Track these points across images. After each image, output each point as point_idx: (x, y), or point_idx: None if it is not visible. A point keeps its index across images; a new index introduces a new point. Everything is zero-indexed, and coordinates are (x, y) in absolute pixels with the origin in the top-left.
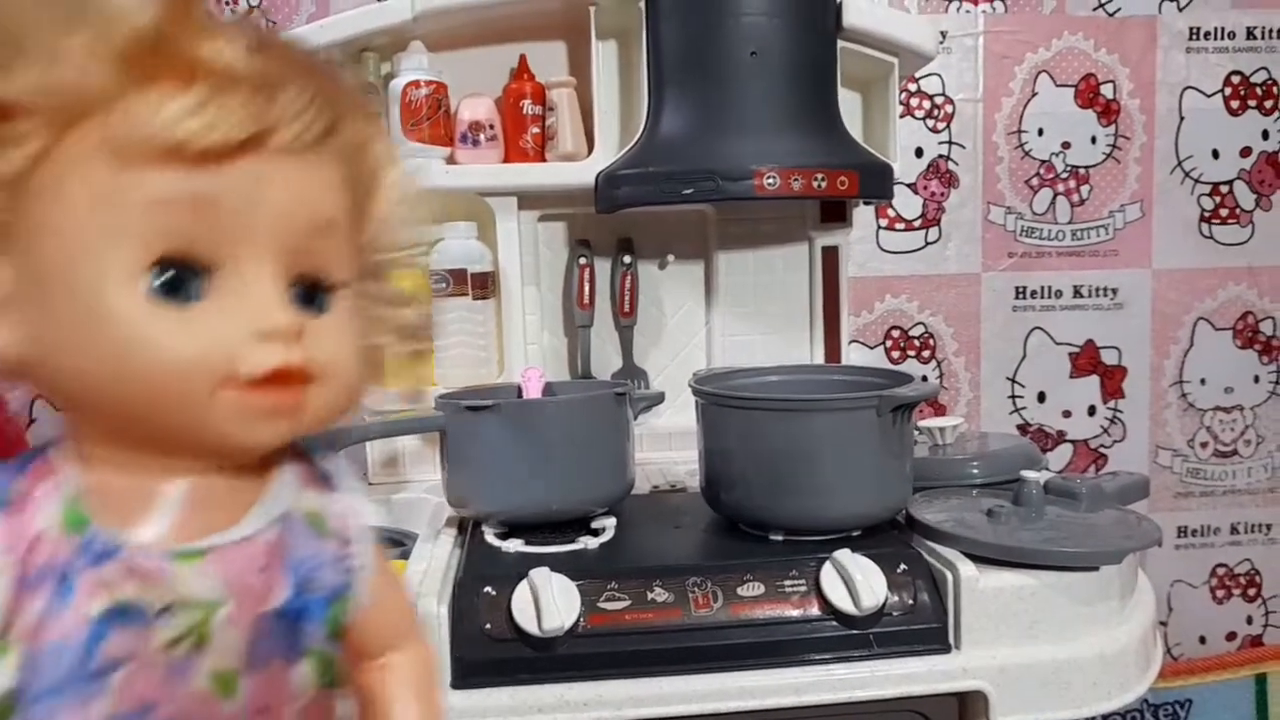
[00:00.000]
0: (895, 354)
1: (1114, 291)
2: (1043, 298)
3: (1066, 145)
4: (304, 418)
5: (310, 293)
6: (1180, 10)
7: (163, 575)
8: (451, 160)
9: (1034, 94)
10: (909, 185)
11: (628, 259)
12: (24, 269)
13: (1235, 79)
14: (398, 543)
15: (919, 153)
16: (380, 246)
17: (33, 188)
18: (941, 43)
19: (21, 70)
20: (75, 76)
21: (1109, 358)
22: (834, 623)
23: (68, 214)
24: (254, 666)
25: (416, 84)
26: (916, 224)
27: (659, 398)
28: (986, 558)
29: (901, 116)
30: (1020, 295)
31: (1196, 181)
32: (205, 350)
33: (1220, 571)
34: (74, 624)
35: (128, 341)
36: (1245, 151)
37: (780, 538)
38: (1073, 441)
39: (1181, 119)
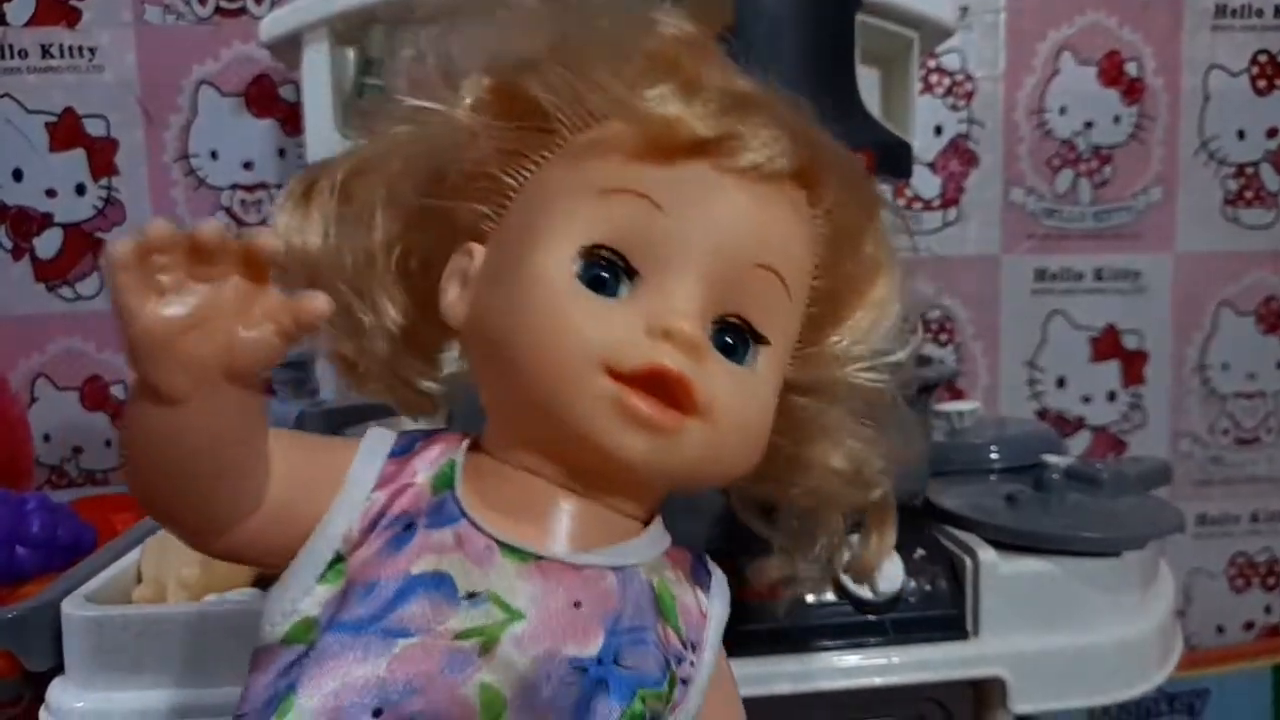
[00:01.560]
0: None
1: (1136, 275)
2: (1063, 280)
3: (1089, 125)
4: (675, 452)
5: (732, 343)
6: None
7: (485, 559)
8: None
9: (1056, 72)
10: (928, 164)
11: None
12: (491, 250)
13: (1262, 58)
14: None
15: (938, 131)
16: (850, 357)
17: (523, 190)
18: (962, 19)
19: (574, 100)
20: (599, 97)
21: (1130, 342)
22: (849, 608)
23: (536, 200)
24: (524, 711)
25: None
26: (935, 204)
27: None
28: (1006, 543)
29: (921, 94)
30: (1040, 278)
31: (1221, 163)
32: (603, 334)
33: (1240, 560)
34: (393, 573)
35: (546, 305)
36: (1272, 132)
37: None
38: (1092, 428)
39: (1206, 99)
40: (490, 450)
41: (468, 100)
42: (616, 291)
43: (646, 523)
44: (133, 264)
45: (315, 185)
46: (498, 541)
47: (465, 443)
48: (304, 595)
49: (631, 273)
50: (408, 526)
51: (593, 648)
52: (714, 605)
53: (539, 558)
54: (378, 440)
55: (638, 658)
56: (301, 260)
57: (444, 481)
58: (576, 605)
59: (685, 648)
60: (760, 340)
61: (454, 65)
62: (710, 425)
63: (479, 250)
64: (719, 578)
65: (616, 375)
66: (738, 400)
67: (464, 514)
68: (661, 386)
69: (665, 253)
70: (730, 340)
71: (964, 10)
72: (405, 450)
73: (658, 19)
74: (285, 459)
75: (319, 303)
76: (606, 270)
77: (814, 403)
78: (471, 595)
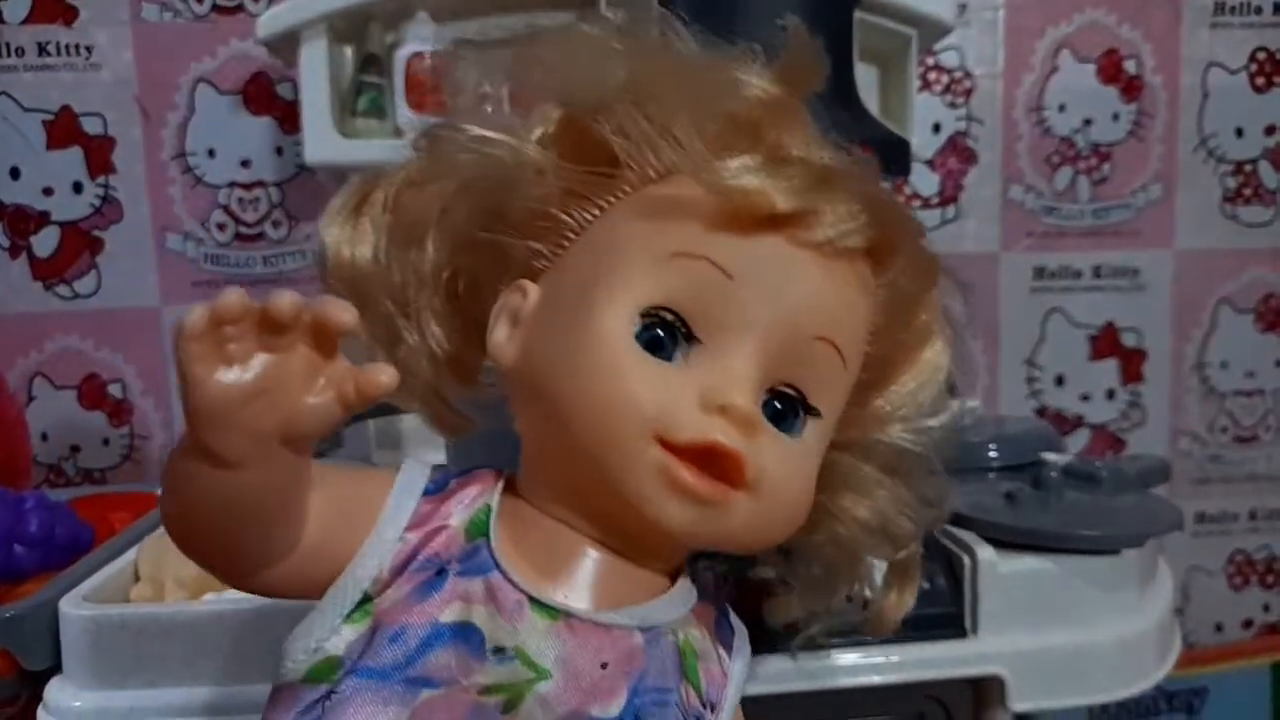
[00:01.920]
0: None
1: (1135, 272)
2: (1062, 278)
3: (1088, 122)
4: (719, 523)
5: (782, 409)
6: None
7: (515, 614)
8: None
9: (1054, 69)
10: (926, 162)
11: None
12: (546, 292)
13: (1261, 55)
14: None
15: (936, 128)
16: (892, 419)
17: (584, 234)
18: (960, 16)
19: (648, 150)
20: (677, 155)
21: (1129, 340)
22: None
23: (601, 250)
24: None
25: (421, 56)
26: (934, 202)
27: None
28: (1005, 541)
29: (919, 91)
30: (1039, 276)
31: (1220, 161)
32: (658, 401)
33: (1238, 558)
34: (422, 619)
35: (604, 365)
36: (1270, 129)
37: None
38: (1091, 426)
39: (1205, 96)
40: (526, 494)
41: (536, 133)
42: (672, 355)
43: (673, 576)
44: (203, 335)
45: (369, 198)
46: (529, 596)
47: (500, 484)
48: (330, 635)
49: (690, 337)
50: (439, 572)
51: (615, 708)
52: (736, 664)
53: (568, 615)
54: (412, 477)
55: (658, 718)
56: (350, 273)
57: (478, 528)
58: (603, 666)
59: (705, 708)
60: (811, 412)
61: (527, 93)
62: (756, 499)
63: (533, 290)
64: (741, 634)
65: (668, 445)
66: (785, 473)
67: (497, 565)
68: (712, 461)
69: (729, 321)
70: (780, 407)
71: (962, 8)
72: (440, 488)
73: (742, 78)
74: (322, 497)
75: (385, 376)
76: (664, 331)
77: (848, 458)
78: (499, 650)
